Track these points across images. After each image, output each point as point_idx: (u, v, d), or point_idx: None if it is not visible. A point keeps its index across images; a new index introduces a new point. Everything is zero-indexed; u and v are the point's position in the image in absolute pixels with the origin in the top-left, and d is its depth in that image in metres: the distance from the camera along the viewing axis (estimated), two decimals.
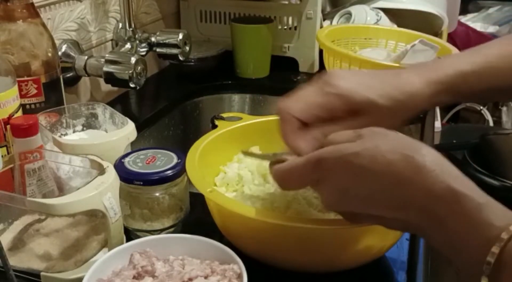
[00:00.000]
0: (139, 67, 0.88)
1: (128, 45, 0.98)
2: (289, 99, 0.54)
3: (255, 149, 0.70)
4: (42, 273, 0.54)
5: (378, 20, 1.18)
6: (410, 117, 0.55)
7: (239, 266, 0.47)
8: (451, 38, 1.57)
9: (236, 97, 1.17)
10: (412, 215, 0.43)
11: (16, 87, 0.65)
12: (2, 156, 0.63)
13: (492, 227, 0.39)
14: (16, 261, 0.55)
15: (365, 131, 0.46)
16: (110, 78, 0.88)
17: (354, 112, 0.52)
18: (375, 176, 0.44)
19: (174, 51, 1.01)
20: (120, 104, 1.03)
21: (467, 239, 0.40)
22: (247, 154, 0.63)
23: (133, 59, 0.87)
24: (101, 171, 0.54)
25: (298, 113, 0.52)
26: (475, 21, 2.05)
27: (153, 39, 1.01)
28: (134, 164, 0.61)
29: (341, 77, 0.53)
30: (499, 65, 0.56)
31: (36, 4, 0.72)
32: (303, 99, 0.53)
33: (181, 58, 1.02)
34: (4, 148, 0.64)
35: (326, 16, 1.26)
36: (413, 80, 0.54)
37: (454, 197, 0.41)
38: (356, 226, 0.49)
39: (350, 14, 1.21)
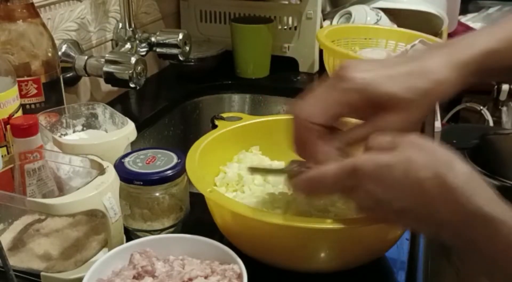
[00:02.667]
0: (139, 67, 0.88)
1: (128, 45, 0.98)
2: (304, 103, 0.50)
3: (255, 149, 0.70)
4: (42, 273, 0.54)
5: (378, 20, 1.18)
6: (440, 102, 0.52)
7: (239, 266, 0.47)
8: (451, 38, 1.57)
9: (236, 97, 1.17)
10: (444, 233, 0.43)
11: (16, 87, 0.65)
12: (2, 156, 0.63)
13: None
14: (16, 261, 0.55)
15: (401, 140, 0.44)
16: (110, 78, 0.88)
17: (377, 107, 0.48)
18: (407, 192, 0.43)
19: (174, 51, 1.01)
20: (120, 104, 1.03)
21: (502, 264, 0.40)
22: (254, 170, 0.61)
23: (133, 59, 0.87)
24: (101, 171, 0.54)
25: (318, 119, 0.48)
26: (475, 21, 2.04)
27: (153, 39, 1.01)
28: (134, 164, 0.61)
29: (357, 69, 0.48)
30: None
31: (36, 4, 0.72)
32: (319, 102, 0.49)
33: (181, 58, 1.02)
34: (4, 148, 0.64)
35: (326, 16, 1.26)
36: (438, 65, 0.48)
37: (486, 222, 0.40)
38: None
39: (350, 14, 1.21)
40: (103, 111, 0.74)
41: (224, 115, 0.73)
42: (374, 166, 0.44)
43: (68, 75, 0.90)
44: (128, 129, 0.69)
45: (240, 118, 0.71)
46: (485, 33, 0.52)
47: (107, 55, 0.88)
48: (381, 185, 0.44)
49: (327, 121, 0.49)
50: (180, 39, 1.00)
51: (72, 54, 0.89)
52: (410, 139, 0.44)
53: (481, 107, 1.60)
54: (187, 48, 1.03)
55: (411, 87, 0.48)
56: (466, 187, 0.41)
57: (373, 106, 0.48)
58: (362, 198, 0.47)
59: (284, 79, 1.17)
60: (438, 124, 0.99)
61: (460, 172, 0.42)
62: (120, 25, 0.98)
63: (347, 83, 0.48)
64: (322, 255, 0.54)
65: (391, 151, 0.44)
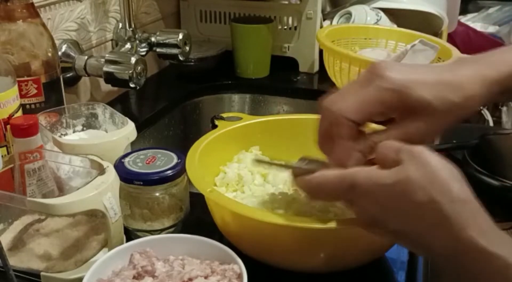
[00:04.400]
0: (139, 67, 0.88)
1: (128, 45, 0.98)
2: (337, 96, 0.49)
3: (255, 149, 0.70)
4: (42, 273, 0.54)
5: (378, 20, 1.18)
6: (461, 119, 0.50)
7: (239, 266, 0.47)
8: (451, 38, 1.57)
9: (236, 97, 1.17)
10: (440, 262, 0.43)
11: (16, 87, 0.65)
12: (2, 156, 0.63)
13: None
14: (16, 261, 0.55)
15: (406, 154, 0.43)
16: (110, 78, 0.88)
17: (407, 111, 0.48)
18: (402, 215, 0.42)
19: (174, 51, 1.01)
20: (120, 104, 1.03)
21: None
22: (259, 162, 0.61)
23: (133, 59, 0.87)
24: (101, 171, 0.54)
25: (352, 114, 0.47)
26: (475, 21, 2.04)
27: (153, 39, 1.01)
28: (134, 164, 0.61)
29: (394, 69, 0.47)
30: None
31: (36, 4, 0.72)
32: (355, 97, 0.48)
33: (181, 58, 1.02)
34: (4, 148, 0.64)
35: (326, 16, 1.26)
36: (469, 81, 0.48)
37: (480, 255, 0.39)
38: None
39: (350, 14, 1.21)
40: (103, 111, 0.74)
41: (224, 115, 0.73)
42: (372, 185, 0.43)
43: (68, 75, 0.90)
44: (128, 129, 0.69)
45: (240, 118, 0.71)
46: (509, 51, 0.51)
47: (107, 55, 0.88)
48: (377, 205, 0.44)
49: (361, 118, 0.48)
50: (180, 39, 1.00)
51: (72, 54, 0.89)
52: (415, 154, 0.43)
53: (481, 107, 1.60)
54: (187, 48, 1.03)
55: (444, 98, 0.47)
56: (461, 217, 0.40)
57: (404, 109, 0.48)
58: (359, 213, 0.47)
59: (284, 79, 1.17)
60: None
61: (457, 199, 0.40)
62: (120, 25, 0.98)
63: (385, 82, 0.47)
64: (322, 255, 0.54)
65: (394, 165, 0.43)
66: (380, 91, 0.47)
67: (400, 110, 0.48)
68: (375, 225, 0.46)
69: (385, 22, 1.19)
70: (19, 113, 0.66)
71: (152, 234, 0.60)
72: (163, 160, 0.61)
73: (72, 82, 0.92)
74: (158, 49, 1.02)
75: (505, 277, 0.38)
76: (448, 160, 0.43)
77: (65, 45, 0.88)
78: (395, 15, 1.25)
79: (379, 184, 0.43)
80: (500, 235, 0.40)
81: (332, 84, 1.06)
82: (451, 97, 0.47)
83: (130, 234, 0.61)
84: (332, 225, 0.50)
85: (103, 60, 0.88)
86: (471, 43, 1.80)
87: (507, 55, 0.50)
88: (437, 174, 0.41)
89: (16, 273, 0.51)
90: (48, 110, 0.71)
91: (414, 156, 0.42)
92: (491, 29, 2.02)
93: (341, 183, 0.46)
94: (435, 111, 0.47)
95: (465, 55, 0.51)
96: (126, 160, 0.61)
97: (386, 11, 1.23)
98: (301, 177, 0.49)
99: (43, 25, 0.73)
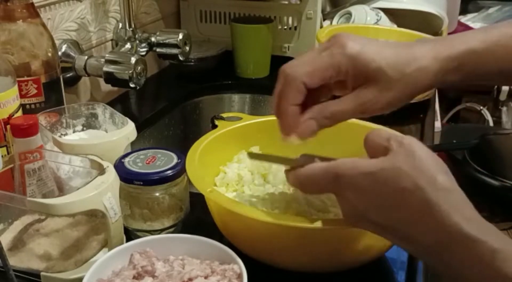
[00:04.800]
0: (139, 67, 0.88)
1: (128, 45, 0.98)
2: (294, 61, 0.51)
3: (255, 149, 0.70)
4: (42, 273, 0.54)
5: (378, 20, 1.18)
6: (415, 95, 0.52)
7: (239, 266, 0.47)
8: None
9: (236, 97, 1.17)
10: (421, 251, 0.43)
11: (16, 87, 0.65)
12: (2, 156, 0.63)
13: (506, 279, 0.37)
14: (16, 261, 0.55)
15: (394, 143, 0.44)
16: (110, 78, 0.88)
17: (360, 78, 0.49)
18: (387, 204, 0.43)
19: (174, 51, 1.01)
20: (120, 104, 1.03)
21: None
22: (253, 156, 0.62)
23: (133, 59, 0.87)
24: (101, 171, 0.54)
25: (305, 78, 0.49)
26: (475, 21, 2.04)
27: (153, 39, 1.01)
28: (134, 164, 0.61)
29: (352, 39, 0.50)
30: (508, 44, 0.52)
31: (36, 4, 0.72)
32: (308, 62, 0.50)
33: (181, 58, 1.02)
34: (4, 148, 0.64)
35: (326, 16, 1.26)
36: (425, 55, 0.50)
37: (465, 241, 0.39)
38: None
39: (350, 14, 1.21)
40: (103, 111, 0.74)
41: (224, 115, 0.73)
42: (356, 174, 0.44)
43: (68, 75, 0.90)
44: (128, 129, 0.69)
45: (240, 118, 0.71)
46: (478, 33, 0.53)
47: (107, 55, 0.88)
48: (362, 195, 0.44)
49: (313, 81, 0.50)
50: (180, 39, 1.00)
51: (72, 54, 0.89)
52: (405, 143, 0.43)
53: (481, 107, 1.60)
54: (187, 48, 1.03)
55: (396, 67, 0.49)
56: (446, 204, 0.40)
57: (358, 77, 0.49)
58: (344, 205, 0.47)
59: None
60: (438, 124, 0.99)
61: (441, 187, 0.41)
62: (120, 25, 0.98)
63: (338, 49, 0.49)
64: (322, 255, 0.54)
65: (384, 152, 0.44)
66: (333, 57, 0.49)
67: (354, 78, 0.50)
68: (360, 218, 0.46)
69: (385, 22, 1.19)
70: (19, 113, 0.66)
71: (152, 234, 0.60)
72: (163, 160, 0.61)
73: (72, 82, 0.92)
74: (158, 49, 1.02)
75: (490, 262, 0.38)
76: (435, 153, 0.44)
77: (65, 45, 0.88)
78: (395, 15, 1.25)
79: (364, 172, 0.43)
80: (484, 222, 0.40)
81: None
82: (404, 67, 0.49)
83: (130, 234, 0.61)
84: (332, 225, 0.50)
85: (103, 60, 0.88)
86: None
87: (465, 36, 0.52)
88: (424, 164, 0.42)
89: (16, 273, 0.51)
90: (48, 110, 0.71)
91: (403, 145, 0.43)
92: None
93: (325, 175, 0.46)
94: (389, 79, 0.49)
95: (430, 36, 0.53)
96: (126, 160, 0.61)
97: (386, 11, 1.23)
98: (292, 171, 0.50)
99: (43, 25, 0.73)
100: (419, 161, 0.42)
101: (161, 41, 1.01)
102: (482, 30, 0.53)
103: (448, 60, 0.50)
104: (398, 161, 0.42)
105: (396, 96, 0.50)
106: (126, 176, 0.59)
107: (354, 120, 0.60)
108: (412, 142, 0.44)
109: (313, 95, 0.51)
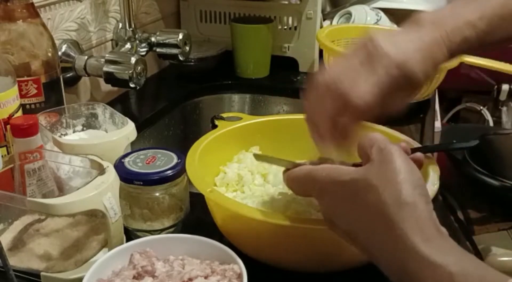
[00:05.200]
0: (139, 67, 0.88)
1: (128, 45, 0.98)
2: (341, 76, 0.49)
3: (255, 149, 0.70)
4: (42, 273, 0.54)
5: (378, 20, 1.18)
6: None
7: (239, 266, 0.47)
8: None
9: (236, 97, 1.17)
10: (382, 266, 0.42)
11: (16, 87, 0.65)
12: (2, 156, 0.63)
13: None
14: (16, 261, 0.55)
15: (375, 153, 0.43)
16: (110, 78, 0.88)
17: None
18: (353, 215, 0.43)
19: (174, 51, 1.01)
20: (120, 104, 1.03)
21: None
22: (260, 157, 0.61)
23: (133, 59, 0.87)
24: (101, 171, 0.54)
25: (371, 98, 0.48)
26: None
27: (153, 39, 1.01)
28: (134, 164, 0.61)
29: (387, 41, 0.49)
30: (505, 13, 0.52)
31: (36, 4, 0.72)
32: (365, 78, 0.48)
33: (181, 58, 1.02)
34: (4, 148, 0.64)
35: (326, 16, 1.26)
36: (439, 47, 0.50)
37: (423, 263, 0.38)
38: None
39: (350, 14, 1.21)
40: (103, 111, 0.74)
41: (224, 115, 0.74)
42: (329, 182, 0.45)
43: (68, 75, 0.90)
44: (128, 129, 0.69)
45: (240, 118, 0.71)
46: (472, 4, 0.53)
47: (107, 55, 0.88)
48: (333, 202, 0.45)
49: (376, 103, 0.48)
50: (180, 39, 1.00)
51: (72, 54, 0.89)
52: (384, 152, 0.42)
53: (481, 107, 1.60)
54: (187, 48, 1.03)
55: (426, 71, 0.49)
56: (406, 222, 0.39)
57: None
58: (321, 207, 0.48)
59: (284, 79, 1.17)
60: (438, 124, 0.99)
61: (405, 202, 0.40)
62: (120, 25, 0.98)
63: (389, 61, 0.48)
64: (322, 255, 0.54)
65: (367, 161, 0.44)
66: (390, 75, 0.47)
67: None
68: (331, 223, 0.46)
69: (385, 22, 1.19)
70: (19, 113, 0.66)
71: (152, 234, 0.60)
72: (163, 160, 0.61)
73: (72, 82, 0.92)
74: (158, 49, 1.02)
75: None
76: (412, 163, 0.43)
77: (65, 45, 0.88)
78: (395, 15, 1.25)
79: (336, 181, 0.44)
80: (445, 242, 0.39)
81: None
82: (430, 70, 0.49)
83: (130, 234, 0.61)
84: None
85: (103, 60, 0.88)
86: None
87: (463, 10, 0.52)
88: (395, 175, 0.41)
89: (16, 273, 0.51)
90: (48, 110, 0.71)
91: (381, 153, 0.42)
92: None
93: (305, 179, 0.47)
94: (419, 85, 0.49)
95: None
96: (126, 160, 0.61)
97: (386, 11, 1.23)
98: (286, 172, 0.51)
99: (43, 25, 0.73)
100: (390, 172, 0.41)
101: (161, 41, 1.01)
102: (475, 2, 0.53)
103: (452, 42, 0.50)
104: (369, 173, 0.42)
105: (414, 94, 0.51)
106: (126, 176, 0.59)
107: None
108: (392, 150, 0.42)
109: None
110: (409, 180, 0.41)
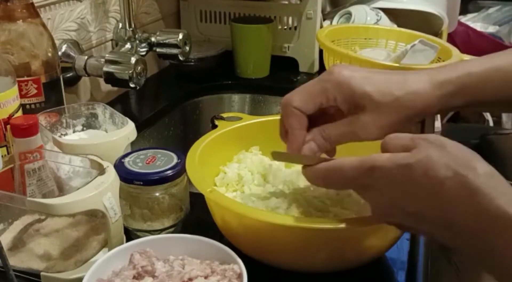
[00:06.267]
0: (139, 67, 0.88)
1: (128, 45, 0.98)
2: (292, 92, 0.54)
3: (255, 149, 0.70)
4: (42, 273, 0.54)
5: (378, 20, 1.18)
6: (421, 118, 0.54)
7: (239, 266, 0.47)
8: (451, 38, 1.57)
9: (236, 97, 1.17)
10: (460, 240, 0.42)
11: (16, 87, 0.65)
12: (2, 156, 0.63)
13: None
14: (16, 261, 0.55)
15: (420, 140, 0.43)
16: (110, 78, 0.88)
17: (352, 105, 0.52)
18: (425, 193, 0.42)
19: (174, 51, 1.01)
20: (120, 104, 1.03)
21: None
22: (277, 156, 0.60)
23: (133, 59, 0.87)
24: (101, 171, 0.54)
25: (298, 103, 0.53)
26: (475, 21, 2.04)
27: (153, 39, 1.01)
28: (134, 164, 0.61)
29: (346, 67, 0.53)
30: (509, 70, 0.53)
31: (36, 4, 0.72)
32: (304, 90, 0.54)
33: (181, 58, 1.02)
34: (4, 148, 0.64)
35: (326, 16, 1.26)
36: (418, 79, 0.52)
37: (509, 223, 0.38)
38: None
39: (350, 14, 1.21)
40: (103, 111, 0.74)
41: (224, 115, 0.73)
42: (392, 166, 0.43)
43: (68, 75, 0.90)
44: (128, 129, 0.69)
45: (240, 118, 0.71)
46: (477, 60, 0.55)
47: (107, 55, 0.88)
48: (396, 186, 0.44)
49: (307, 107, 0.53)
50: (180, 39, 1.00)
51: (72, 54, 0.89)
52: (429, 139, 0.43)
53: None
54: (187, 48, 1.03)
55: (385, 92, 0.51)
56: (488, 188, 0.39)
57: (347, 102, 0.52)
58: (376, 199, 0.47)
59: (284, 79, 1.17)
60: (438, 124, 0.99)
61: (482, 172, 0.40)
62: (120, 25, 0.98)
63: (330, 76, 0.53)
64: (322, 255, 0.54)
65: (409, 150, 0.43)
66: (323, 83, 0.53)
67: (345, 104, 0.52)
68: (391, 211, 0.45)
69: (385, 22, 1.19)
70: (19, 113, 0.66)
71: (152, 234, 0.60)
72: (163, 160, 0.61)
73: (72, 82, 0.92)
74: (158, 49, 1.02)
75: None
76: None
77: (65, 45, 0.88)
78: (395, 15, 1.25)
79: (400, 164, 0.43)
80: None
81: None
82: (393, 91, 0.51)
83: (130, 234, 0.61)
84: (332, 225, 0.50)
85: (103, 60, 0.88)
86: (471, 43, 1.80)
87: (466, 63, 0.54)
88: (458, 152, 0.42)
89: (16, 273, 0.51)
90: (48, 110, 0.71)
91: (428, 140, 0.43)
92: (491, 29, 2.02)
93: (359, 167, 0.46)
94: (377, 104, 0.51)
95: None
96: (126, 160, 0.61)
97: (386, 11, 1.23)
98: (316, 166, 0.50)
99: (43, 25, 0.73)
100: (452, 150, 0.42)
101: (161, 41, 1.01)
102: (483, 57, 0.55)
103: (447, 84, 0.52)
104: (431, 153, 0.42)
105: (390, 121, 0.51)
106: (126, 176, 0.59)
107: None
108: (438, 137, 0.44)
109: (317, 122, 0.54)
110: (474, 155, 0.42)
